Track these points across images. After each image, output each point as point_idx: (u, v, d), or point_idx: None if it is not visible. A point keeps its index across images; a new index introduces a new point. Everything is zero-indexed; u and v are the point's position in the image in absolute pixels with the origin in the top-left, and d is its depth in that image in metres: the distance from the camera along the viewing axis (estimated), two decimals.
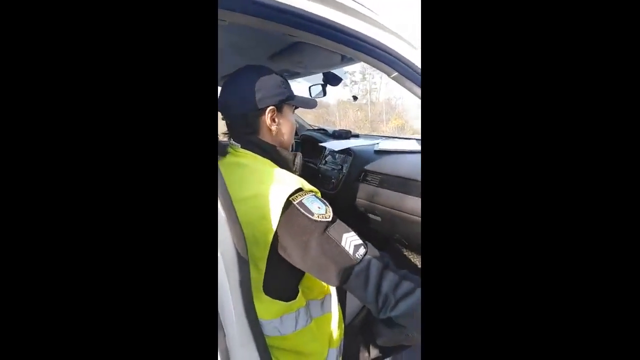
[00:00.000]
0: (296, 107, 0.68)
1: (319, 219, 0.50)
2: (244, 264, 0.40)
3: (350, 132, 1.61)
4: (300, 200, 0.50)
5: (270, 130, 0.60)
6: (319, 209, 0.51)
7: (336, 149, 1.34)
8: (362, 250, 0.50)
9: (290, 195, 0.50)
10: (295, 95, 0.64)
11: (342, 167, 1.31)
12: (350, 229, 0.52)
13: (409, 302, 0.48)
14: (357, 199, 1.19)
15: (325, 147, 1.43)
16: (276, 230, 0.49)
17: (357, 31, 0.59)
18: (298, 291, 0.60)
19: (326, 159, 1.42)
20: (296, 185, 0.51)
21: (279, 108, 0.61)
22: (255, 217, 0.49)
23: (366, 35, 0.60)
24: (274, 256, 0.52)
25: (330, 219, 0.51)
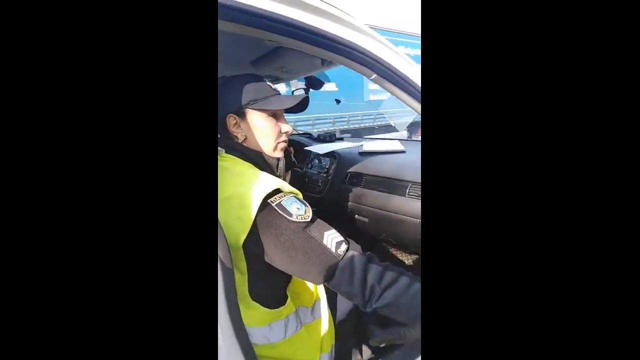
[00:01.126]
0: (287, 112, 0.65)
1: (298, 220, 0.49)
2: (227, 272, 0.40)
3: (334, 134, 1.62)
4: (279, 202, 0.50)
5: (237, 136, 0.59)
6: (298, 210, 0.50)
7: (321, 152, 1.35)
8: (344, 247, 0.51)
9: (268, 197, 0.49)
10: (261, 99, 0.59)
11: (327, 170, 1.31)
12: (331, 227, 0.52)
13: (394, 291, 0.49)
14: (343, 201, 1.19)
15: (310, 151, 1.44)
16: (255, 233, 0.48)
17: (335, 35, 0.60)
18: (287, 296, 0.59)
19: (312, 163, 1.42)
20: (274, 186, 0.51)
21: (239, 114, 0.59)
22: (233, 218, 0.48)
23: (344, 39, 0.61)
24: (254, 259, 0.51)
25: (309, 219, 0.51)
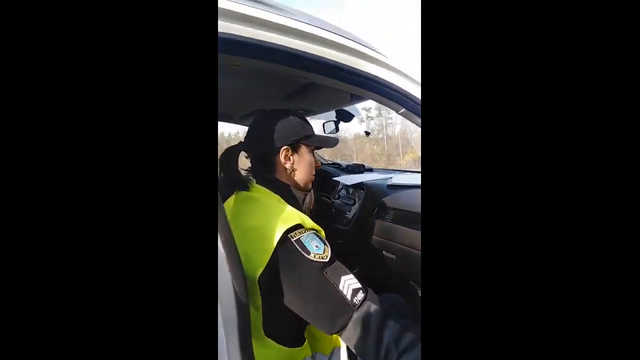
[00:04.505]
0: (317, 147, 0.69)
1: (315, 259, 0.47)
2: (243, 308, 0.38)
3: (363, 166, 1.61)
4: (299, 238, 0.49)
5: (285, 168, 0.62)
6: (316, 248, 0.49)
7: (349, 184, 1.34)
8: (360, 295, 0.47)
9: (289, 231, 0.49)
10: (312, 135, 0.65)
11: (355, 202, 1.29)
12: (349, 271, 0.49)
13: (413, 356, 0.43)
14: (370, 235, 1.15)
15: (338, 182, 1.43)
16: (271, 267, 0.47)
17: (364, 71, 0.62)
18: (304, 338, 0.55)
19: (340, 194, 1.41)
20: (296, 221, 0.50)
21: (293, 148, 0.62)
22: (253, 249, 0.48)
23: (373, 75, 0.62)
24: (269, 294, 0.49)
25: (327, 259, 0.48)
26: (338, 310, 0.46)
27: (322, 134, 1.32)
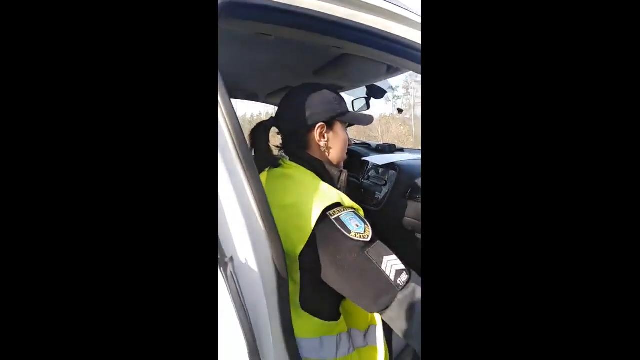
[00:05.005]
0: (349, 125, 0.67)
1: (357, 238, 0.46)
2: (283, 282, 0.38)
3: (394, 146, 1.55)
4: (338, 216, 0.48)
5: (319, 145, 0.60)
6: (357, 227, 0.47)
7: (380, 164, 1.29)
8: (404, 277, 0.45)
9: (328, 209, 0.48)
10: (347, 112, 0.62)
11: (386, 182, 1.24)
12: (391, 252, 0.48)
13: None
14: (404, 217, 1.11)
15: (368, 162, 1.39)
16: (312, 245, 0.46)
17: (403, 37, 0.56)
18: (339, 313, 0.55)
19: (369, 174, 1.37)
20: (335, 199, 0.49)
21: (328, 124, 0.60)
22: (291, 226, 0.48)
23: (414, 42, 0.57)
24: (309, 271, 0.49)
25: (369, 239, 0.47)
26: (381, 290, 0.45)
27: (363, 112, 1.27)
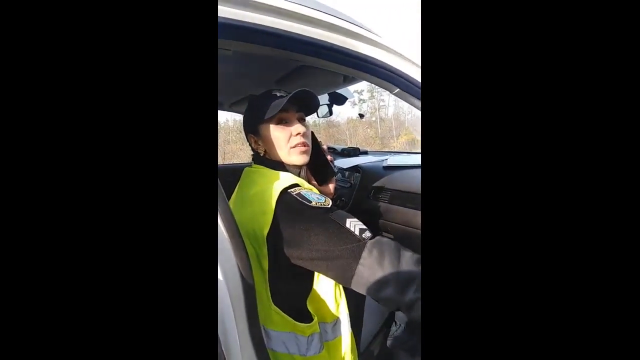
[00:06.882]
0: (302, 119, 0.65)
1: (318, 206, 0.49)
2: (249, 289, 0.39)
3: (358, 149, 1.61)
4: (299, 192, 0.51)
5: (258, 151, 0.63)
6: (317, 199, 0.50)
7: (345, 167, 1.34)
8: (368, 233, 0.48)
9: (288, 188, 0.51)
10: (263, 115, 0.60)
11: (351, 184, 1.30)
12: (352, 216, 0.50)
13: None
14: (368, 217, 1.17)
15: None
16: (276, 224, 0.48)
17: (357, 52, 0.61)
18: (310, 313, 0.57)
19: (336, 177, 1.41)
20: (293, 181, 0.53)
21: (255, 133, 0.63)
22: (258, 212, 0.50)
23: (366, 55, 0.62)
24: (277, 254, 0.50)
25: (329, 206, 0.50)
26: (349, 246, 0.45)
27: (316, 117, 1.31)
